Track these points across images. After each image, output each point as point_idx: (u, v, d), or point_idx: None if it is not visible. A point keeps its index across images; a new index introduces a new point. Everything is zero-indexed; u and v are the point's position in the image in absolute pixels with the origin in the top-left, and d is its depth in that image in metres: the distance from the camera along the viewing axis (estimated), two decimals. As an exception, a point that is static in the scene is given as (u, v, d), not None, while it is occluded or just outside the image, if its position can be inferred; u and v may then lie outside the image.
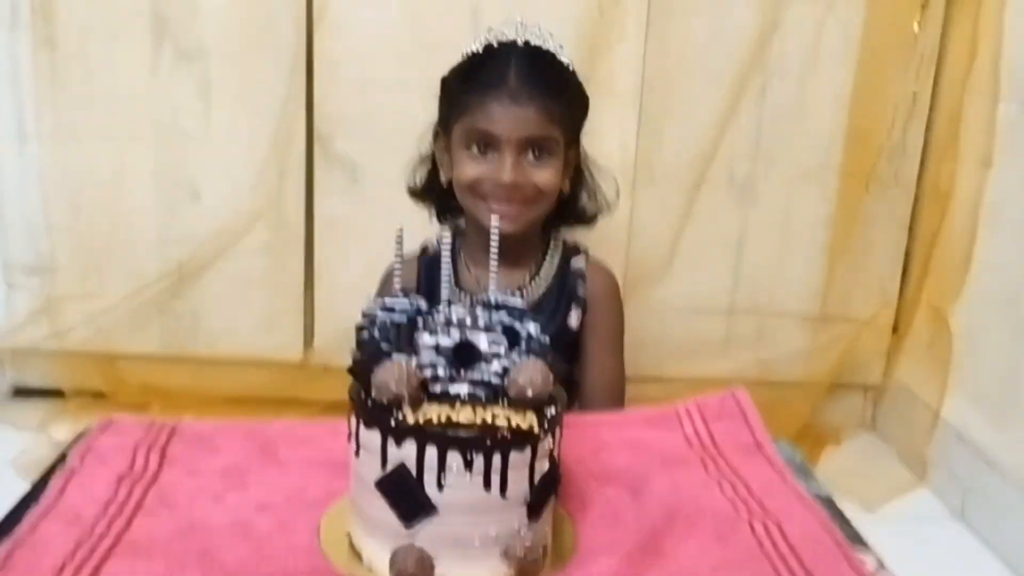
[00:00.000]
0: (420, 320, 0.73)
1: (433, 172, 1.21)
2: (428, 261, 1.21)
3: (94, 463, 0.85)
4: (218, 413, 1.59)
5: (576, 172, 1.20)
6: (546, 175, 1.11)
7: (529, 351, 0.74)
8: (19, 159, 1.52)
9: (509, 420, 0.69)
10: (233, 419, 0.97)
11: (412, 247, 1.23)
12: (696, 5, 1.49)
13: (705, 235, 1.59)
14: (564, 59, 1.14)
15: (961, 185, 1.46)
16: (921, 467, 1.53)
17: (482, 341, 0.72)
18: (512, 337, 0.74)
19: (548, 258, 1.20)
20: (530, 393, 0.71)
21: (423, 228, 1.26)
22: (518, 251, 1.18)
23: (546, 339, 0.75)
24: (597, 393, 1.20)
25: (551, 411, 0.72)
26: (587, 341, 1.20)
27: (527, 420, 0.69)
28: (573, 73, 1.15)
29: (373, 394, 0.70)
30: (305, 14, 1.46)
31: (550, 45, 1.13)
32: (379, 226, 1.49)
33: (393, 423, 0.68)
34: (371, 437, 0.70)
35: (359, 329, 0.74)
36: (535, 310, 1.17)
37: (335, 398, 0.85)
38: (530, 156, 1.10)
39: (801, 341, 1.64)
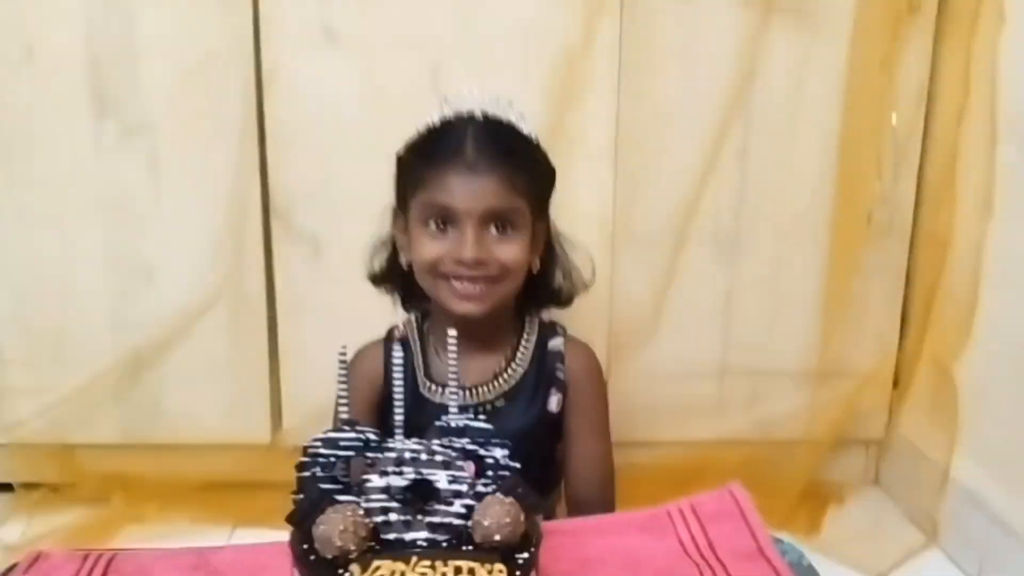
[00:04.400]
0: (368, 456, 0.64)
1: (393, 256, 1.13)
2: (394, 347, 1.12)
3: (14, 616, 0.76)
4: (185, 500, 1.50)
5: (546, 249, 1.12)
6: (511, 250, 1.02)
7: (497, 480, 0.65)
8: (-42, 245, 1.43)
9: (473, 574, 0.60)
10: (173, 550, 0.86)
11: (379, 332, 1.15)
12: (669, 55, 1.41)
13: (691, 294, 1.51)
14: (525, 129, 1.06)
15: (961, 233, 1.38)
16: (932, 528, 1.43)
17: (441, 478, 0.63)
18: (477, 464, 0.66)
19: (524, 341, 1.11)
20: (498, 538, 0.62)
21: (390, 307, 1.18)
22: (491, 335, 1.10)
23: (516, 465, 0.67)
24: (583, 476, 1.11)
25: (524, 556, 0.62)
26: (570, 424, 1.11)
27: (495, 572, 0.60)
28: (536, 143, 1.07)
29: (316, 547, 0.61)
30: (254, 78, 1.38)
31: (510, 115, 1.05)
32: (344, 301, 1.41)
33: (339, 585, 0.59)
34: (316, 598, 0.61)
35: (300, 467, 0.65)
36: (512, 397, 1.09)
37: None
38: (493, 231, 1.02)
39: (798, 399, 1.55)
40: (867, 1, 1.38)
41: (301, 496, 0.64)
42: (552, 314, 1.18)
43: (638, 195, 1.46)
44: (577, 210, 1.44)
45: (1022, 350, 1.27)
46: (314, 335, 1.47)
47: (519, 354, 1.10)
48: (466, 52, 1.39)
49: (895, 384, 1.55)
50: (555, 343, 1.11)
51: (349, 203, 1.40)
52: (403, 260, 1.10)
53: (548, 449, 1.12)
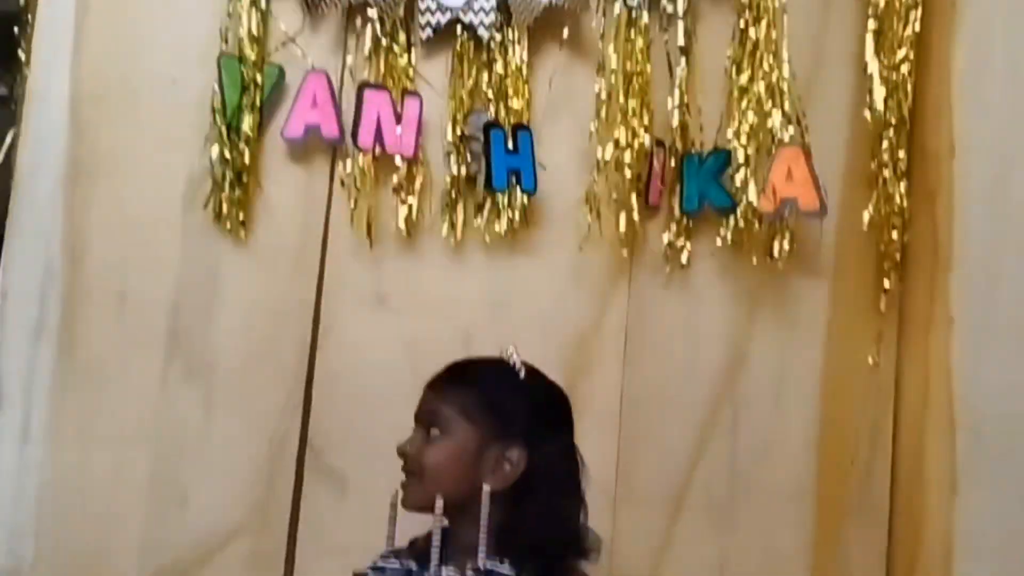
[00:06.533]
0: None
1: None
2: (418, 557, 1.22)
3: None
4: None
5: (524, 485, 1.17)
6: (431, 451, 1.17)
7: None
8: (17, 460, 1.56)
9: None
10: None
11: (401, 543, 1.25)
12: (668, 340, 1.63)
13: (687, 560, 1.60)
14: (514, 366, 1.23)
15: (931, 512, 1.51)
16: None
17: (471, 599, 0.75)
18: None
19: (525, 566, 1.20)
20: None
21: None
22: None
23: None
24: None
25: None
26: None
27: None
28: (508, 374, 1.22)
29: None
30: (311, 332, 1.59)
31: (511, 358, 1.24)
32: (362, 540, 1.51)
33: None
34: None
35: (351, 585, 0.76)
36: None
37: None
38: (428, 434, 1.19)
39: (789, 677, 1.58)
40: (838, 305, 1.62)
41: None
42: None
43: (639, 461, 1.60)
44: (582, 468, 1.59)
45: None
46: (329, 572, 1.55)
47: None
48: (493, 324, 1.60)
49: (884, 664, 1.59)
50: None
51: (378, 450, 1.54)
52: None
53: None
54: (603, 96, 1.59)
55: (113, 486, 1.56)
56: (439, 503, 0.83)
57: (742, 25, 1.60)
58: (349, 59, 1.61)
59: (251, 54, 1.56)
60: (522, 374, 1.24)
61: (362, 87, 1.55)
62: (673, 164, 1.62)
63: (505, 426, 1.20)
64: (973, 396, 1.45)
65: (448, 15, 1.58)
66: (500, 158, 1.54)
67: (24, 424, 1.57)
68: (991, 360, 1.43)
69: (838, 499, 1.60)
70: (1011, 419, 1.36)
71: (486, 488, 0.81)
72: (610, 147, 1.57)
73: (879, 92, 1.55)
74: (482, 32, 1.58)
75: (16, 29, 1.64)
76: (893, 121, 1.56)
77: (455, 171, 1.58)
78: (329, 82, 1.56)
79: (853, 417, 1.61)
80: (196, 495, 1.57)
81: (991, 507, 1.40)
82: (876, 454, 1.60)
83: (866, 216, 1.57)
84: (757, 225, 1.57)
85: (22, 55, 1.64)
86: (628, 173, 1.57)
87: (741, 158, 1.58)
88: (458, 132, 1.59)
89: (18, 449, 1.56)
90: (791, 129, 1.57)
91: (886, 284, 1.58)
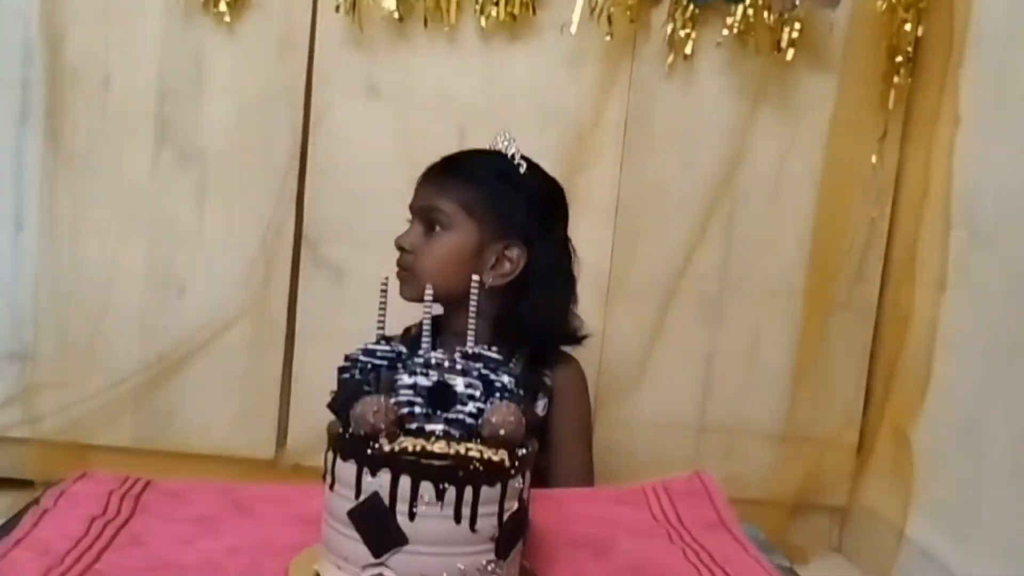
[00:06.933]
0: (400, 365, 0.77)
1: None
2: (410, 343, 1.25)
3: (67, 505, 0.86)
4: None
5: (522, 281, 1.20)
6: (432, 246, 1.18)
7: (503, 400, 0.78)
8: (12, 248, 1.57)
9: (482, 453, 0.72)
10: (206, 479, 0.98)
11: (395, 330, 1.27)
12: (668, 134, 1.59)
13: (675, 351, 1.64)
14: (513, 159, 1.20)
15: (919, 308, 1.53)
16: (889, 587, 1.53)
17: (459, 383, 0.76)
18: (487, 387, 0.78)
19: (518, 352, 1.23)
20: (502, 432, 0.74)
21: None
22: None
23: (520, 391, 0.79)
24: (566, 483, 1.22)
25: (522, 451, 0.75)
26: (554, 431, 1.22)
27: (499, 455, 0.72)
28: (510, 170, 1.20)
29: (351, 427, 0.73)
30: (302, 121, 1.56)
31: (510, 151, 1.20)
32: (360, 328, 1.54)
33: (369, 451, 0.71)
34: (346, 469, 0.72)
35: (340, 371, 0.78)
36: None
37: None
38: (427, 228, 1.18)
39: (768, 460, 1.66)
40: (844, 100, 1.57)
41: (339, 391, 0.77)
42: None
43: (634, 254, 1.61)
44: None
45: (968, 414, 1.40)
46: (327, 360, 1.57)
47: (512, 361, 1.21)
48: (489, 117, 1.55)
49: (859, 450, 1.66)
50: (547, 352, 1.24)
51: (373, 240, 1.55)
52: None
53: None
54: None
55: (109, 274, 1.58)
56: (429, 290, 0.83)
57: None
58: None
59: None
60: (522, 169, 1.21)
61: None
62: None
63: (506, 224, 1.19)
64: (971, 196, 1.43)
65: None
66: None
67: (16, 212, 1.57)
68: (993, 161, 1.40)
69: (827, 294, 1.62)
70: (1006, 220, 1.34)
71: (475, 277, 0.81)
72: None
73: None
74: None
75: None
76: (919, -102, 1.46)
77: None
78: None
79: (850, 214, 1.60)
80: (193, 284, 1.59)
81: (977, 304, 1.41)
82: (869, 251, 1.61)
83: (880, 5, 1.50)
84: (766, 15, 1.50)
85: None
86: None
87: (754, -61, 1.48)
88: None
89: (12, 237, 1.57)
90: (809, -92, 1.47)
91: (895, 80, 1.52)
